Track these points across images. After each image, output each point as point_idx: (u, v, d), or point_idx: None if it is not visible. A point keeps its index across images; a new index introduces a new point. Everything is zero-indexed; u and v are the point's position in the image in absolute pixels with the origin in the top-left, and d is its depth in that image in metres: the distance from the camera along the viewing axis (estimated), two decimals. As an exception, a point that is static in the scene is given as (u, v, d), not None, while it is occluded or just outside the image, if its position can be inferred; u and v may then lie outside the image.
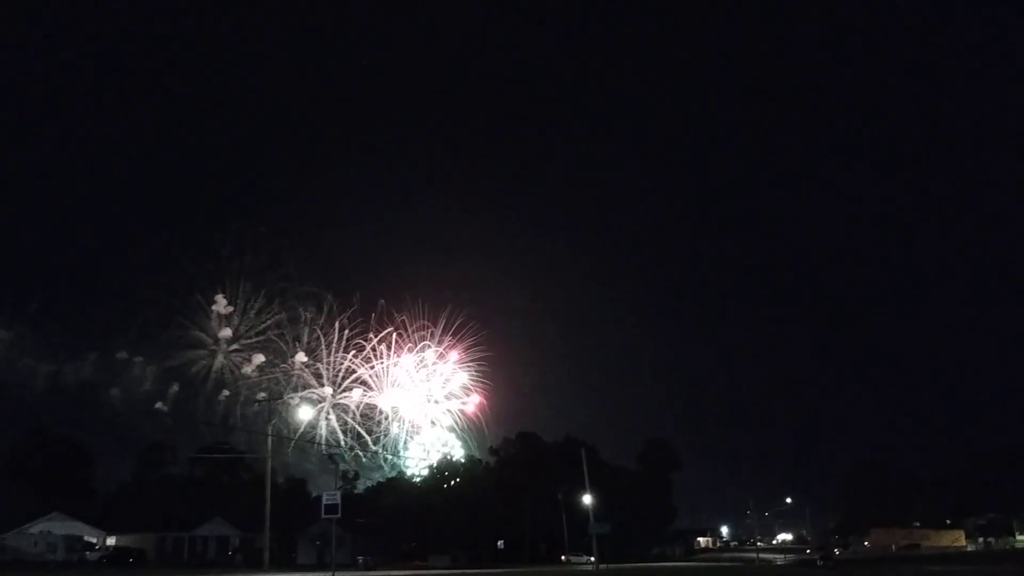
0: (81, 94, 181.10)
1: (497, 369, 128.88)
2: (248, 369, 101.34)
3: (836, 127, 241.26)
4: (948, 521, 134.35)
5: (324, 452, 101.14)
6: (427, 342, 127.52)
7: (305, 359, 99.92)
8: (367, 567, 68.99)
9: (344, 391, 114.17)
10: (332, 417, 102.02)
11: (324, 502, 40.04)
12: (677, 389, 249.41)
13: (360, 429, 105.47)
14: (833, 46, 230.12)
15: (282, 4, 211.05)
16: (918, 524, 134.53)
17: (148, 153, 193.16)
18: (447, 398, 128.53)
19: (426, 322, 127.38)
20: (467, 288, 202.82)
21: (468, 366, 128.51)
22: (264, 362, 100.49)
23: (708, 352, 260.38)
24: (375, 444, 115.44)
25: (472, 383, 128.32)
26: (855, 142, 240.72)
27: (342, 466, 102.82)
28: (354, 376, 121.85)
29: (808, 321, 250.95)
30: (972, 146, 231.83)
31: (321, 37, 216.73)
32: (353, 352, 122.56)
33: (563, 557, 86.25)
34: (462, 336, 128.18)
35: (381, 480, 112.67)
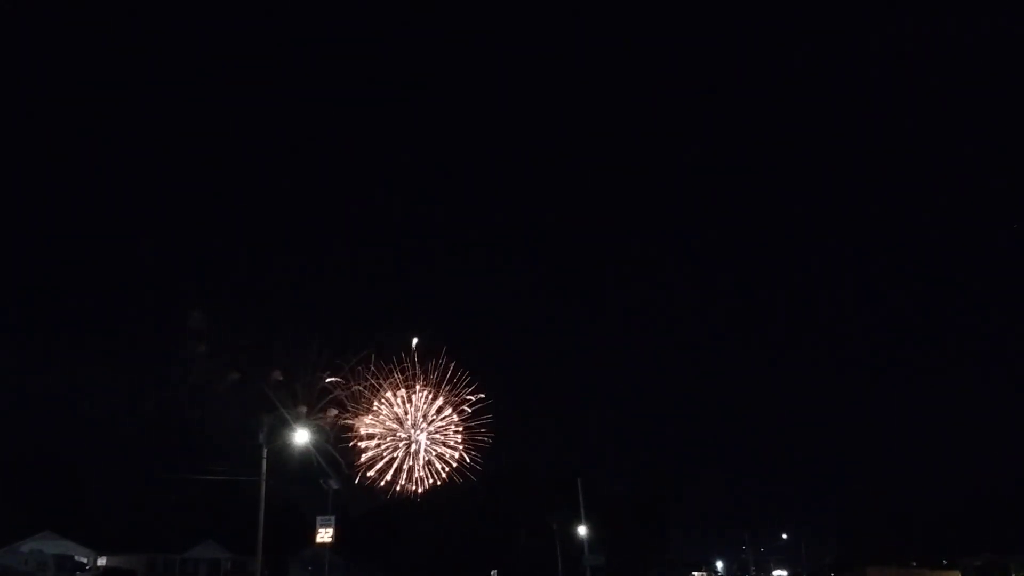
0: (70, 98, 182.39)
1: (490, 395, 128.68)
2: (223, 387, 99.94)
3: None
4: (944, 561, 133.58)
5: (321, 480, 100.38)
6: (407, 364, 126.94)
7: (280, 377, 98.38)
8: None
9: (319, 412, 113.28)
10: (308, 439, 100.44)
11: (318, 527, 39.93)
12: (674, 421, 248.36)
13: (334, 452, 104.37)
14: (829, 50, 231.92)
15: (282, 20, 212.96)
16: (914, 563, 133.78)
17: (122, 164, 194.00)
18: (433, 421, 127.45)
19: (408, 344, 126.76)
20: (456, 312, 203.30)
21: (455, 394, 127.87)
22: (239, 379, 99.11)
23: (706, 385, 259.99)
24: (348, 468, 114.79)
25: (460, 413, 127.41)
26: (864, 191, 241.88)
27: (334, 486, 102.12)
28: (329, 397, 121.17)
29: (808, 356, 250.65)
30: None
31: (323, 46, 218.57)
32: (329, 372, 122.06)
33: None
34: (449, 358, 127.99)
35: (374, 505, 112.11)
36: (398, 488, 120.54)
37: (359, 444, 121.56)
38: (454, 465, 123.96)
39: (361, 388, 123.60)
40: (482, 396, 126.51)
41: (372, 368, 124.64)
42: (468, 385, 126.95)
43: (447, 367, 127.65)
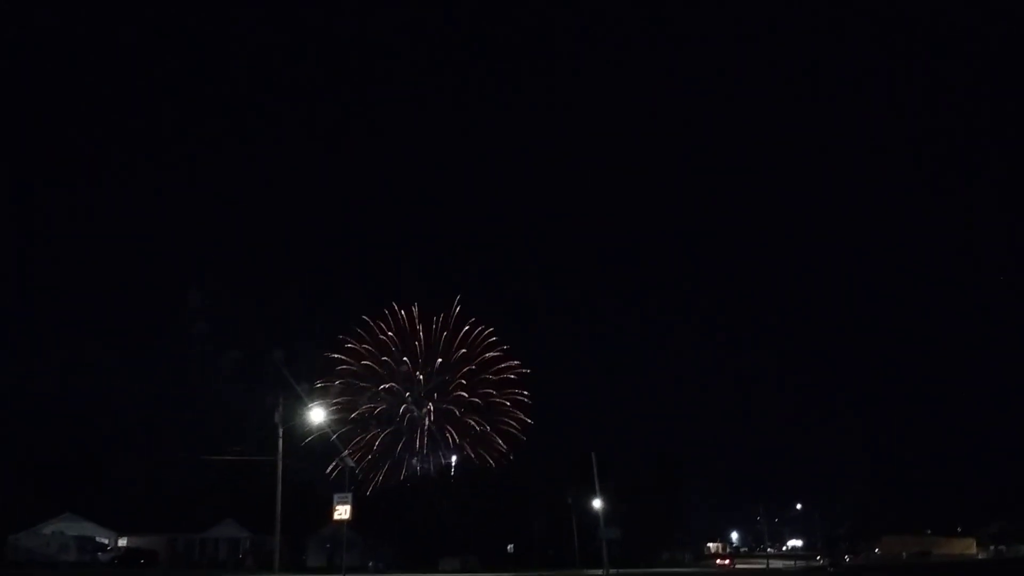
0: (80, 92, 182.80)
1: (505, 373, 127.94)
2: (226, 364, 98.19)
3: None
4: (959, 528, 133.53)
5: (337, 457, 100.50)
6: (420, 334, 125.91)
7: (282, 355, 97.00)
8: (378, 571, 68.94)
9: (323, 389, 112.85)
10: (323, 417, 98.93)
11: (335, 504, 39.95)
12: (687, 394, 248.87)
13: (336, 433, 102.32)
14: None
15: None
16: (929, 531, 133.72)
17: (119, 145, 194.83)
18: (443, 397, 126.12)
19: (414, 319, 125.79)
20: (470, 292, 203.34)
21: (469, 373, 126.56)
22: (242, 358, 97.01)
23: (719, 357, 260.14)
24: (355, 446, 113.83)
25: (471, 391, 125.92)
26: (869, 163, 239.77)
27: (350, 463, 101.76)
28: (336, 372, 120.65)
29: (820, 327, 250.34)
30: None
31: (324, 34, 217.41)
32: (337, 349, 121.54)
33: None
34: (463, 338, 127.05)
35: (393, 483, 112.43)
36: (402, 472, 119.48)
37: (363, 420, 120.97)
38: (466, 443, 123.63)
39: (357, 367, 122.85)
40: (499, 367, 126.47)
41: (376, 340, 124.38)
42: (481, 358, 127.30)
43: (454, 339, 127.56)
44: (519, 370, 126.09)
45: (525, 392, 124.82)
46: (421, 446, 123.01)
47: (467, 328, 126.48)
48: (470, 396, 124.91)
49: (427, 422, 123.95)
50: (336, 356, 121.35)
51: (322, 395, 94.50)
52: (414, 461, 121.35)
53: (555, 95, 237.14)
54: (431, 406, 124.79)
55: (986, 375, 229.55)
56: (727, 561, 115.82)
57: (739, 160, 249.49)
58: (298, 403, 62.94)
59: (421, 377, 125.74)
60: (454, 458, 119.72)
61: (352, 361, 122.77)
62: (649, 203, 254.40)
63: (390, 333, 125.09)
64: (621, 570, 67.13)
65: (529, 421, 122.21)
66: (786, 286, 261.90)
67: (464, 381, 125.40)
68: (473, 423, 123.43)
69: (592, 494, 70.46)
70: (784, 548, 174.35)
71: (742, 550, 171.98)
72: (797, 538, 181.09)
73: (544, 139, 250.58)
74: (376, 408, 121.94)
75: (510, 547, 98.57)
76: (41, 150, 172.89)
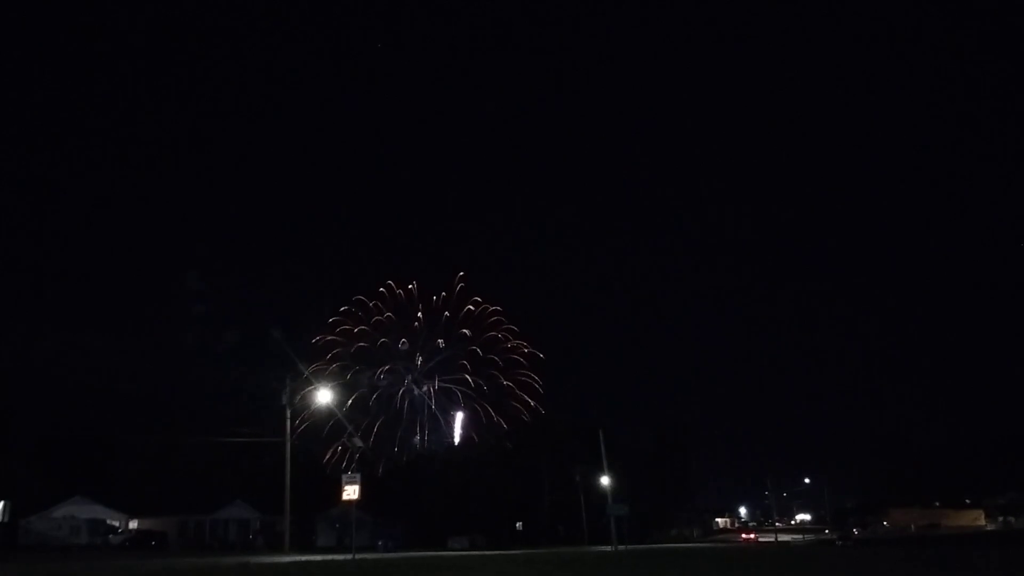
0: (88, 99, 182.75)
1: (512, 353, 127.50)
2: (222, 345, 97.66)
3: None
4: (967, 500, 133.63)
5: (345, 437, 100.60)
6: (419, 314, 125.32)
7: (280, 335, 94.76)
8: (387, 550, 69.13)
9: (323, 367, 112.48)
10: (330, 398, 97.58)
11: (344, 484, 39.93)
12: (694, 369, 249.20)
13: (341, 411, 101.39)
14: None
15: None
16: (937, 504, 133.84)
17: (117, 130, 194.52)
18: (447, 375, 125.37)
19: (412, 297, 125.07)
20: (474, 265, 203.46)
21: (468, 347, 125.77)
22: (240, 338, 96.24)
23: (725, 331, 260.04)
24: (357, 426, 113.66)
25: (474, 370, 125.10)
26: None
27: (358, 444, 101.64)
28: (336, 350, 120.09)
29: (827, 299, 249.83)
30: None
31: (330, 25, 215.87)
32: (338, 325, 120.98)
33: None
34: (466, 316, 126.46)
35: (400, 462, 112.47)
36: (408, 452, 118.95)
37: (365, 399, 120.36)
38: (470, 422, 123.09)
39: (352, 350, 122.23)
40: (505, 346, 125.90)
41: (373, 321, 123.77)
42: (484, 338, 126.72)
43: (455, 317, 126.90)
44: (526, 350, 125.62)
45: (535, 377, 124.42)
46: (423, 426, 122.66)
47: (470, 308, 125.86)
48: (475, 376, 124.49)
49: (428, 403, 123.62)
50: (331, 339, 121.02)
51: (319, 378, 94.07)
52: (415, 440, 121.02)
53: (561, 82, 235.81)
54: (429, 388, 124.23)
55: (992, 348, 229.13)
56: (752, 535, 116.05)
57: (748, 128, 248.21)
58: (303, 383, 62.66)
59: (420, 357, 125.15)
60: (458, 438, 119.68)
61: (347, 344, 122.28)
62: (652, 175, 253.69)
63: (388, 314, 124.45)
64: (629, 546, 67.14)
65: (533, 403, 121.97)
66: (792, 260, 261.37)
67: (466, 363, 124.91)
68: (477, 404, 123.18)
69: (600, 471, 70.54)
70: (792, 522, 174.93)
71: (750, 524, 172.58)
72: (805, 512, 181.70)
73: (549, 118, 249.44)
74: (375, 389, 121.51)
75: (519, 525, 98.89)
76: (41, 136, 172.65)
